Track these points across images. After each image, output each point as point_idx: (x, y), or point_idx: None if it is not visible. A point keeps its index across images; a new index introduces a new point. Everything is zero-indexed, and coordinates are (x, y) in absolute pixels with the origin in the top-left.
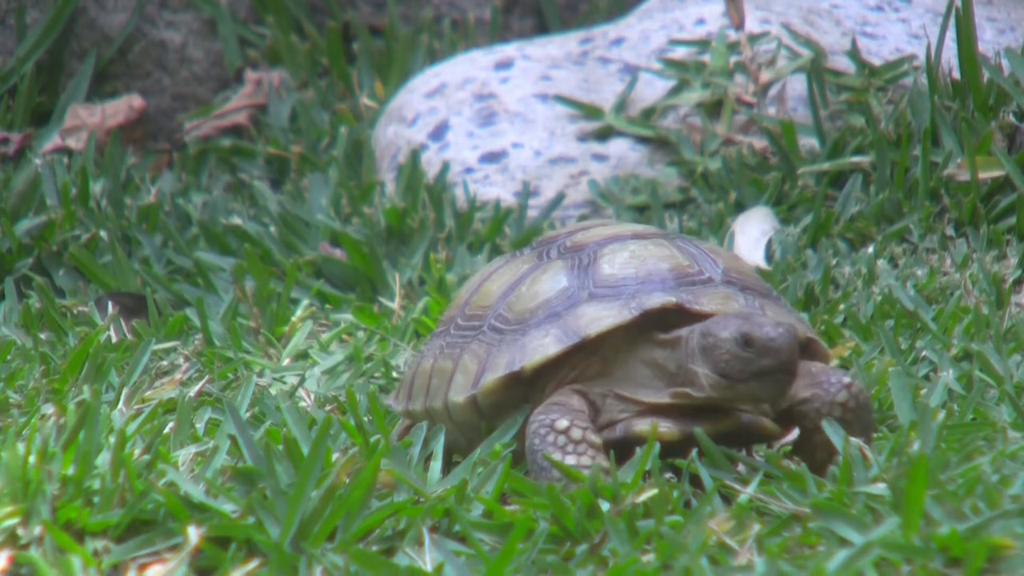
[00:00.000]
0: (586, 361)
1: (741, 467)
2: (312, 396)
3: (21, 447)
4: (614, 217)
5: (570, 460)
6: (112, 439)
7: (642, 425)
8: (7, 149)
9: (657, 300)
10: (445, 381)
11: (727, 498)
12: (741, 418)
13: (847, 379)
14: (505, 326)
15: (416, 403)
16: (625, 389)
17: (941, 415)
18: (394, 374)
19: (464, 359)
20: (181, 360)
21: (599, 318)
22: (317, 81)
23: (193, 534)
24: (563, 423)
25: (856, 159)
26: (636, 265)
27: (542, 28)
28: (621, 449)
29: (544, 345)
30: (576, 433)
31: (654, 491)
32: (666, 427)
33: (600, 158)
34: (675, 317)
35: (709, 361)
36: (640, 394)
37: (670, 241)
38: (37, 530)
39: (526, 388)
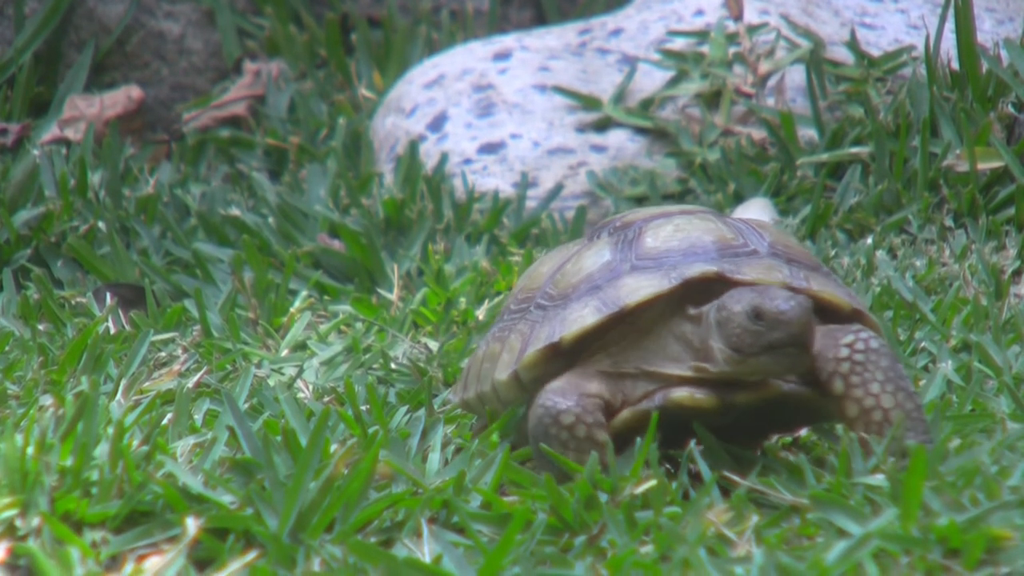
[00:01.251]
0: (625, 333)
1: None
2: (310, 387)
3: (19, 438)
4: (612, 208)
5: (571, 457)
6: (110, 430)
7: (681, 392)
8: (5, 140)
9: (698, 269)
10: (494, 364)
11: (726, 489)
12: (782, 387)
13: (853, 334)
14: (549, 303)
15: (470, 391)
16: (655, 364)
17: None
18: (392, 365)
19: (510, 339)
20: (179, 351)
21: (639, 288)
22: (315, 72)
23: (191, 525)
24: (568, 419)
25: (855, 150)
26: (680, 238)
27: (540, 19)
28: (661, 417)
29: (583, 316)
30: (580, 431)
31: (653, 482)
32: (703, 395)
33: (599, 149)
34: (719, 289)
35: (723, 335)
36: (668, 368)
37: (717, 216)
38: (35, 521)
39: (567, 361)
